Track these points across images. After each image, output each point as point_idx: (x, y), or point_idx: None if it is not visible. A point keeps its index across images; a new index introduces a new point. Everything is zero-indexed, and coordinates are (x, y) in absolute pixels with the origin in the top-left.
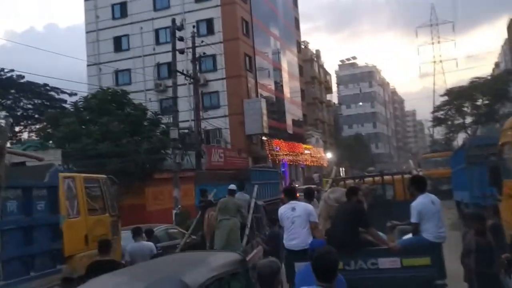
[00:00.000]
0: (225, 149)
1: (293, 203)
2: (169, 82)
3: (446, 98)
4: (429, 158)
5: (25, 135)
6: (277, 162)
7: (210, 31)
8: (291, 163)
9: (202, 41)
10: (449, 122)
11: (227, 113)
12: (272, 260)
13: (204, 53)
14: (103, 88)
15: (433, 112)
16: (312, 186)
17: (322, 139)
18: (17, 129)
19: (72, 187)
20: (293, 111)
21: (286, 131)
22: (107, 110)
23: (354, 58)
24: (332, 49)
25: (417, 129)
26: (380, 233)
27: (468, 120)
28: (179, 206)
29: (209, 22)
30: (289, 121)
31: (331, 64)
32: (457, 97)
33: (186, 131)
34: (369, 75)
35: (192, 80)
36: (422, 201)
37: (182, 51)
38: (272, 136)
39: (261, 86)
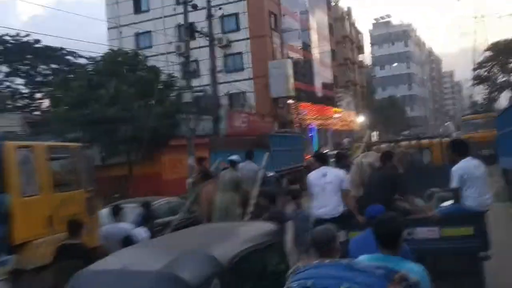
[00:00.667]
0: (248, 114)
1: (324, 168)
2: (191, 44)
3: (489, 54)
4: (469, 120)
5: (46, 103)
6: (305, 126)
7: None
8: (320, 127)
9: None
10: (492, 81)
11: (251, 75)
12: (327, 227)
13: (220, 8)
14: (114, 50)
15: (474, 69)
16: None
17: (354, 102)
18: (39, 95)
19: (31, 158)
20: (323, 73)
21: (315, 94)
22: (117, 72)
23: (388, 16)
24: (365, 8)
25: (455, 91)
26: (418, 200)
27: None
28: (194, 174)
29: None
30: (318, 84)
31: (364, 25)
32: (502, 52)
33: (201, 93)
34: (404, 34)
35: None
36: (464, 165)
37: (195, 6)
38: (300, 99)
39: (288, 47)
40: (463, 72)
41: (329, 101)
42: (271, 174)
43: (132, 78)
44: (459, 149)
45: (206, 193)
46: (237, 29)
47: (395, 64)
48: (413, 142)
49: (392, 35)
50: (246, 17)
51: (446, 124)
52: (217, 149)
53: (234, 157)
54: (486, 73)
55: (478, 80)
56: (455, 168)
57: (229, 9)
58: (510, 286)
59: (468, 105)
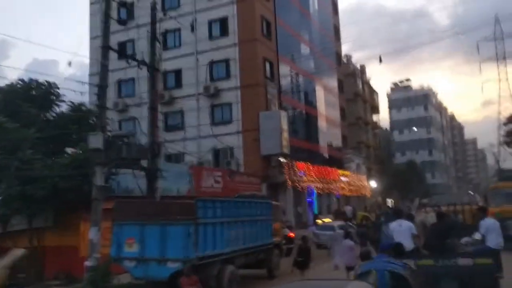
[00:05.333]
0: (223, 172)
1: (399, 220)
2: (176, 93)
3: None
4: (500, 188)
5: None
6: (301, 189)
7: (224, 31)
8: (321, 192)
9: (165, 14)
10: None
11: (240, 129)
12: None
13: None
14: (23, 81)
15: (505, 124)
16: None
17: (366, 165)
18: None
19: None
20: (330, 131)
21: (319, 153)
22: (16, 110)
23: (407, 80)
24: (387, 77)
25: (478, 158)
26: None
27: None
28: (97, 255)
29: (223, 21)
30: (323, 142)
31: (382, 89)
32: None
33: (124, 139)
34: (424, 98)
35: (143, 67)
36: (488, 222)
37: (123, 22)
38: (301, 159)
39: (287, 100)
40: (487, 139)
41: (336, 162)
42: None
43: (38, 118)
44: (483, 212)
45: None
46: (227, 76)
47: (415, 129)
48: (451, 207)
49: (411, 99)
50: (238, 64)
51: (471, 193)
52: (122, 217)
53: None
54: None
55: (510, 138)
56: (482, 223)
57: (219, 55)
58: None
59: (494, 172)
